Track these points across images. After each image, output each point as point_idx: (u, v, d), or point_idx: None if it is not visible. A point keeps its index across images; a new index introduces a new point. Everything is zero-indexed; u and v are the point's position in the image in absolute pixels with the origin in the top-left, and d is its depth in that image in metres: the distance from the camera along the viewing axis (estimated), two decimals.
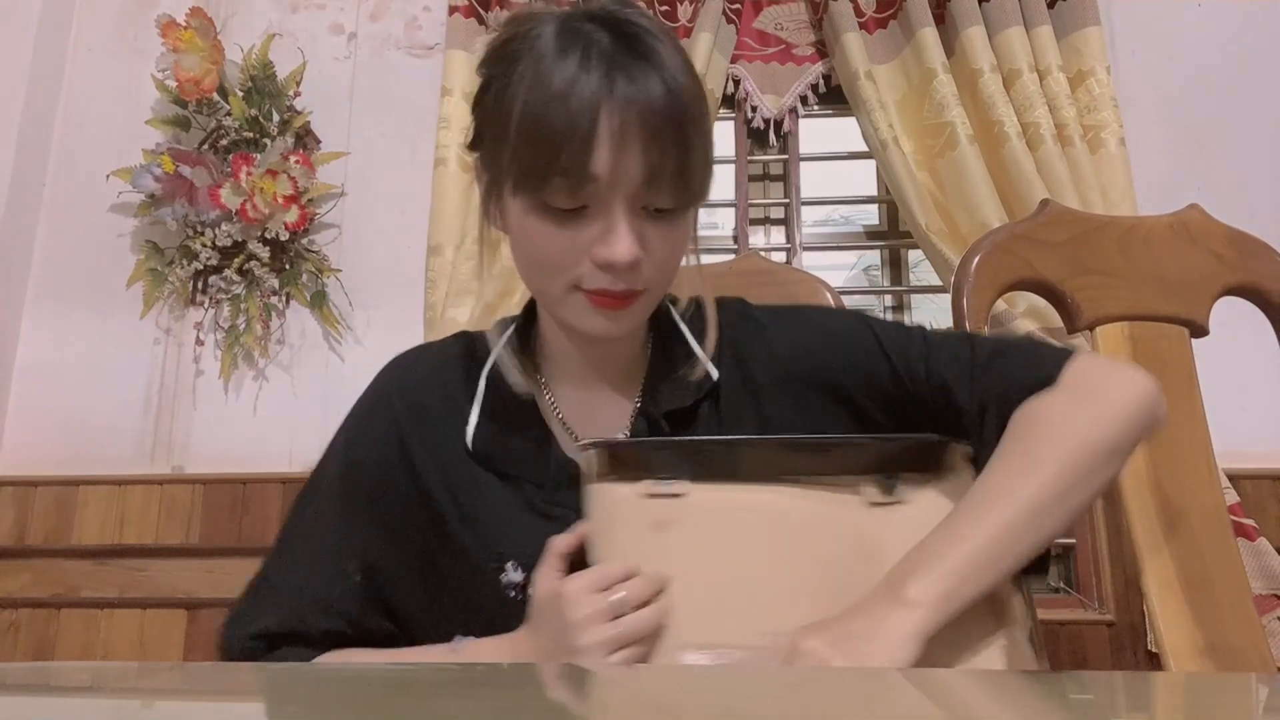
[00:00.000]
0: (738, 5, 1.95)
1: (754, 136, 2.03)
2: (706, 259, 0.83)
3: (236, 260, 1.85)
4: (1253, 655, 0.87)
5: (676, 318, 0.78)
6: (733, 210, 2.01)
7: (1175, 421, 0.91)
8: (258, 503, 1.78)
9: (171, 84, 1.86)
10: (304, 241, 1.90)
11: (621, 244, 0.63)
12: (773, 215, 2.05)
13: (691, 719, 0.35)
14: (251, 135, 1.87)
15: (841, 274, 3.10)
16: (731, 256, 1.92)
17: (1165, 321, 0.97)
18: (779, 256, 1.96)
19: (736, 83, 1.97)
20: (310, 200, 1.88)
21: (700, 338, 0.76)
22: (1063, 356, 0.70)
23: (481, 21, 1.93)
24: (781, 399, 0.74)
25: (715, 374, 0.74)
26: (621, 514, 0.65)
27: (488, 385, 0.75)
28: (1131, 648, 1.65)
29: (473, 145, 0.71)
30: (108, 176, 1.89)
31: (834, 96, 1.97)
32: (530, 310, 0.78)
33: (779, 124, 1.96)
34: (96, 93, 2.01)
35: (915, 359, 0.72)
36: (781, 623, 0.59)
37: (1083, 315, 0.96)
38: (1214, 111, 1.88)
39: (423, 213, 1.87)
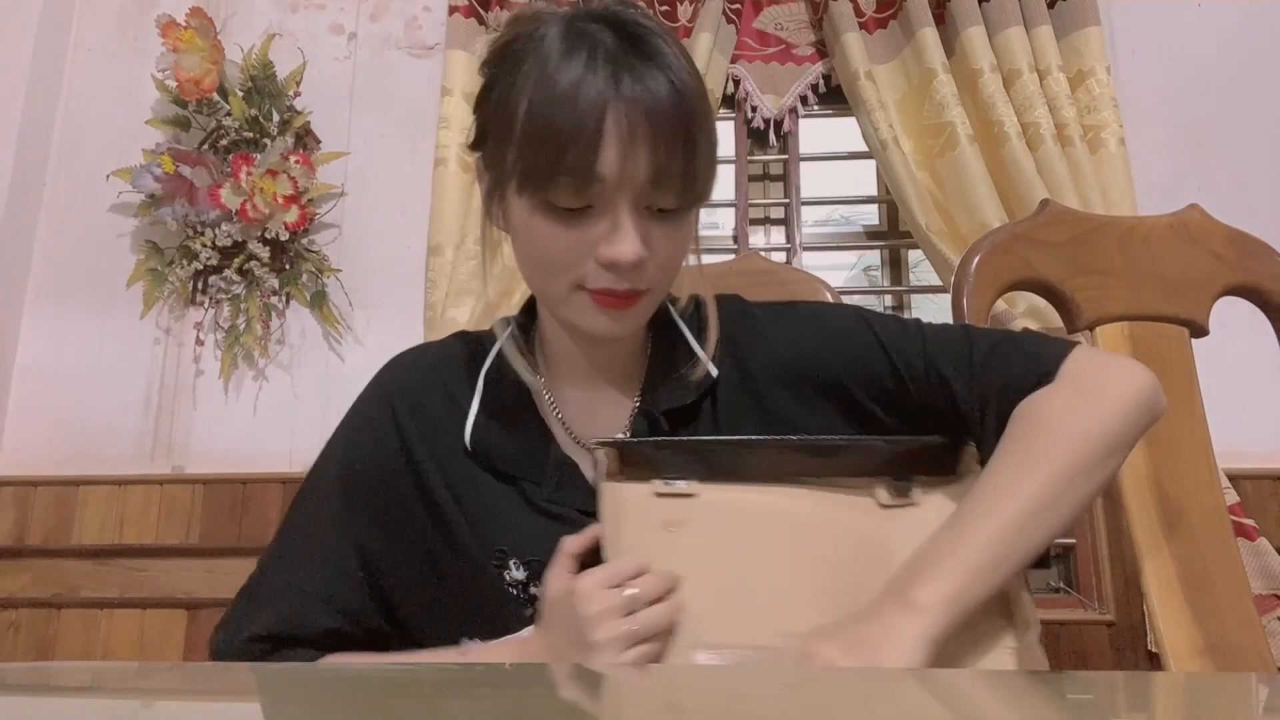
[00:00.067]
0: (738, 5, 1.95)
1: (754, 136, 2.03)
2: (706, 259, 0.83)
3: (236, 260, 1.85)
4: (1253, 655, 0.87)
5: (675, 316, 0.78)
6: (733, 210, 2.01)
7: (1175, 421, 0.92)
8: (258, 503, 1.78)
9: (171, 84, 1.86)
10: (304, 241, 1.90)
11: (627, 243, 0.64)
12: (773, 215, 2.05)
13: (696, 719, 0.35)
14: (251, 135, 1.87)
15: (841, 274, 3.10)
16: (731, 256, 1.93)
17: (1165, 321, 0.97)
18: (779, 256, 1.96)
19: (736, 83, 1.97)
20: (310, 200, 1.88)
21: (699, 336, 0.76)
22: (1061, 350, 0.70)
23: (481, 21, 1.93)
24: (781, 396, 0.74)
25: (715, 372, 0.74)
26: (633, 513, 0.65)
27: (486, 384, 0.75)
28: (1131, 648, 1.65)
29: (475, 145, 0.71)
30: (108, 176, 1.89)
31: (834, 96, 1.97)
32: (530, 309, 0.78)
33: (779, 124, 1.96)
34: (96, 93, 2.01)
35: (914, 355, 0.72)
36: (792, 623, 0.59)
37: (1083, 315, 0.96)
38: (1214, 111, 1.88)
39: (423, 213, 1.87)
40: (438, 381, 0.77)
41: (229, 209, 1.79)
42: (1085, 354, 0.70)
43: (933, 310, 2.15)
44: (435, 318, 1.78)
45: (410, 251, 1.89)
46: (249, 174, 1.79)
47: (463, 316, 1.77)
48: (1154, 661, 1.62)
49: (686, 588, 0.62)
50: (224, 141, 1.88)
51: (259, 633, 0.70)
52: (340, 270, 1.90)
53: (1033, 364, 0.69)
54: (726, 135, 2.02)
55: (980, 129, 1.79)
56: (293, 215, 1.82)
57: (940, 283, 1.84)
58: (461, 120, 1.86)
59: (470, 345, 0.79)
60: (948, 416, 0.71)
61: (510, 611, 0.70)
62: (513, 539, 0.70)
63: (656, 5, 1.91)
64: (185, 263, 1.85)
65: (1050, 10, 1.84)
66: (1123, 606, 1.67)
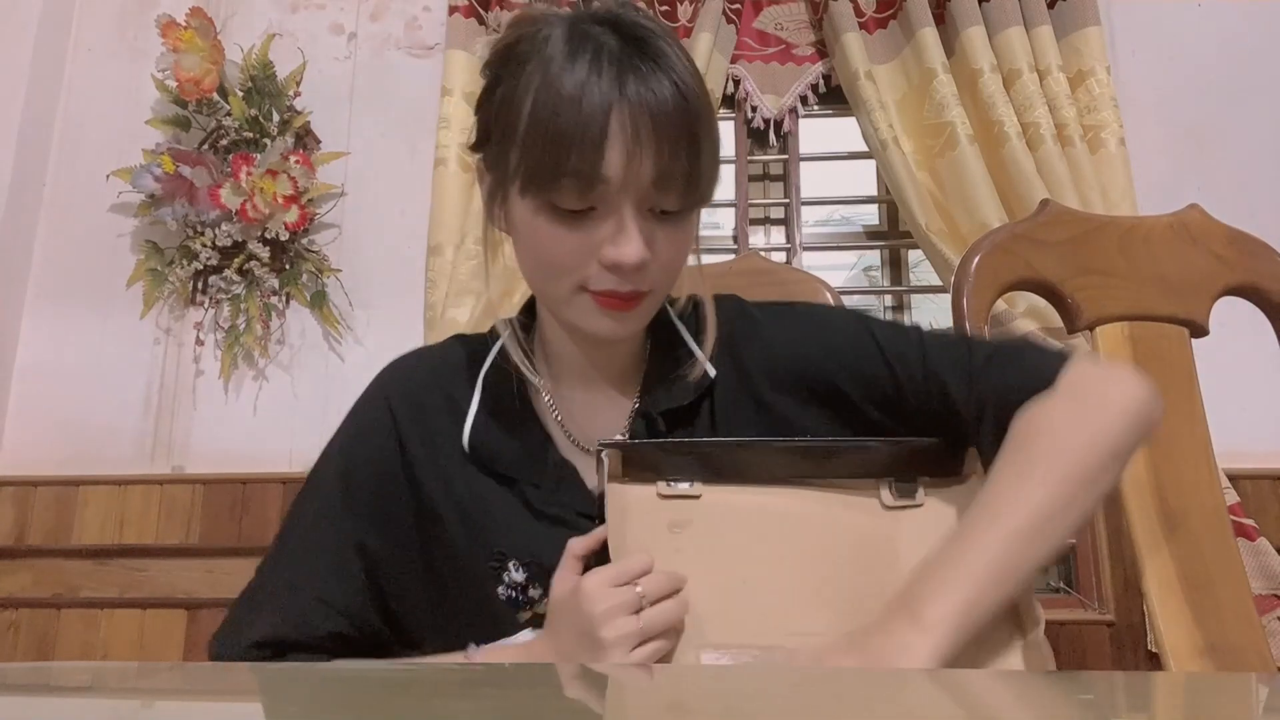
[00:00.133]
0: (738, 5, 1.95)
1: (754, 136, 2.03)
2: (707, 259, 0.83)
3: (236, 260, 1.85)
4: (1253, 655, 0.87)
5: (674, 317, 0.78)
6: (733, 210, 2.01)
7: (1175, 421, 0.92)
8: (258, 503, 1.78)
9: (171, 84, 1.86)
10: (304, 241, 1.90)
11: (630, 245, 0.64)
12: (773, 215, 2.05)
13: (699, 719, 0.35)
14: (251, 135, 1.87)
15: (841, 274, 3.10)
16: (731, 256, 1.92)
17: (1165, 321, 0.97)
18: (779, 256, 1.96)
19: (736, 83, 1.97)
20: (310, 200, 1.88)
21: (697, 337, 0.76)
22: (1060, 360, 0.70)
23: (481, 22, 1.93)
24: (778, 397, 0.74)
25: (712, 372, 0.74)
26: (637, 514, 0.65)
27: (485, 386, 0.75)
28: (1131, 648, 1.65)
29: (476, 146, 0.71)
30: (108, 176, 1.89)
31: (834, 96, 1.97)
32: (530, 310, 0.78)
33: (779, 124, 1.96)
34: (96, 93, 2.01)
35: (912, 361, 0.72)
36: (797, 623, 0.60)
37: (1083, 315, 0.96)
38: (1214, 111, 1.88)
39: (423, 213, 1.87)
40: (436, 384, 0.77)
41: (229, 209, 1.79)
42: (1084, 364, 0.70)
43: (932, 310, 2.15)
44: (435, 318, 1.78)
45: (410, 251, 1.89)
46: (249, 174, 1.79)
47: (463, 317, 1.77)
48: (1154, 661, 1.62)
49: (692, 588, 0.62)
50: (224, 141, 1.88)
51: (260, 638, 0.70)
52: (340, 270, 1.90)
53: (1031, 373, 0.69)
54: (727, 135, 2.02)
55: (980, 129, 1.79)
56: (293, 215, 1.82)
57: (940, 283, 1.84)
58: (461, 120, 1.87)
59: (469, 348, 0.79)
60: (945, 423, 0.70)
61: (511, 613, 0.70)
62: (511, 540, 0.70)
63: (656, 5, 1.91)
64: (185, 263, 1.85)
65: (1050, 10, 1.85)
66: (1123, 606, 1.67)
